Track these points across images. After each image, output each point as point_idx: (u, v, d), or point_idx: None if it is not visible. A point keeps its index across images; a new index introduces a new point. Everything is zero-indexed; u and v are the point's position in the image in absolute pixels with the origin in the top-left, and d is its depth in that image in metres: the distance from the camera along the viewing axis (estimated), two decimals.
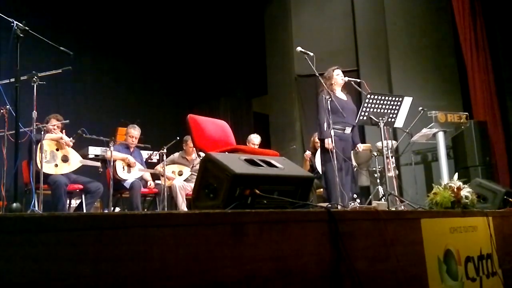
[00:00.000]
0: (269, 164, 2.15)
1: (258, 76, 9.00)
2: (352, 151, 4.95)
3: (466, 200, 3.08)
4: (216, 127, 4.13)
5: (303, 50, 4.34)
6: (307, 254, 1.74)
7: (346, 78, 4.83)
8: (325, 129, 4.47)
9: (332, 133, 4.38)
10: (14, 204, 2.96)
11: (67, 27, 7.10)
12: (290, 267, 1.66)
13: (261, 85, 9.02)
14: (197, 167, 4.12)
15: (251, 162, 2.09)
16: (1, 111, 3.98)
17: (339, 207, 3.83)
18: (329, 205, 3.40)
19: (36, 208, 3.88)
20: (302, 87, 7.88)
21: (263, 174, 2.04)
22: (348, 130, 4.72)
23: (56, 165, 4.75)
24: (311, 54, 4.29)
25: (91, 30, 7.65)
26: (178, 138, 5.80)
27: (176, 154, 6.24)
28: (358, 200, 4.47)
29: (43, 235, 1.11)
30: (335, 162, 4.30)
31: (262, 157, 2.22)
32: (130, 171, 5.51)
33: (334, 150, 4.35)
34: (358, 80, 4.90)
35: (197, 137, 3.83)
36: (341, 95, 4.86)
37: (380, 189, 5.49)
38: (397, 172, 6.04)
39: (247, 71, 9.44)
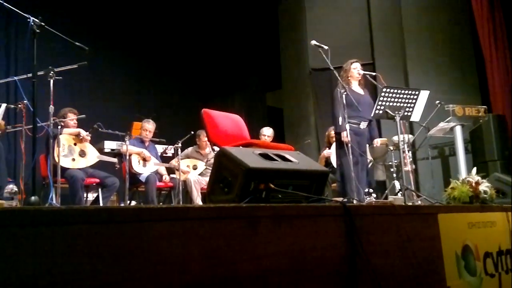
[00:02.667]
0: (284, 159, 2.14)
1: (272, 70, 8.96)
2: (368, 146, 4.91)
3: (485, 195, 3.04)
4: (230, 121, 4.13)
5: (317, 43, 4.31)
6: (323, 249, 1.73)
7: (362, 72, 4.79)
8: (341, 123, 4.44)
9: (348, 127, 4.34)
10: (33, 198, 3.00)
11: (82, 23, 7.15)
12: (305, 262, 1.65)
13: (275, 79, 8.98)
14: (212, 161, 4.13)
15: (266, 156, 2.09)
16: (19, 106, 4.03)
17: (354, 201, 3.80)
18: (345, 200, 3.38)
19: (54, 202, 3.93)
20: (316, 81, 7.82)
21: (278, 168, 2.04)
22: (363, 124, 4.67)
23: (74, 159, 4.80)
24: (326, 47, 4.26)
25: (106, 25, 7.70)
26: (192, 132, 5.83)
27: (190, 149, 6.26)
28: (374, 195, 4.44)
29: (61, 228, 1.12)
30: (351, 156, 4.26)
31: (277, 152, 2.22)
32: (146, 165, 5.55)
33: (350, 144, 4.32)
34: (374, 74, 4.84)
35: (211, 131, 3.84)
36: (358, 89, 4.82)
37: (397, 183, 5.44)
38: (413, 166, 5.97)
39: (261, 65, 9.41)
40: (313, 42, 4.36)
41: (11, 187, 2.66)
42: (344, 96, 4.29)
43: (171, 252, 1.30)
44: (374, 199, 4.37)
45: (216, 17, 8.94)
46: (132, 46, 8.07)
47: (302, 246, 1.66)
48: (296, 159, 2.18)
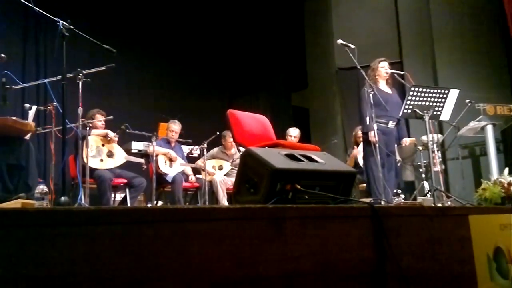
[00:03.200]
0: (310, 159, 2.12)
1: (298, 69, 8.92)
2: (396, 146, 4.84)
3: None
4: (256, 121, 4.13)
5: (344, 42, 4.27)
6: (350, 251, 1.70)
7: (389, 71, 4.72)
8: (368, 123, 4.39)
9: (375, 127, 4.28)
10: (62, 198, 3.06)
11: (108, 25, 7.26)
12: (332, 264, 1.63)
13: (301, 78, 8.93)
14: (237, 161, 4.14)
15: (292, 157, 2.07)
16: (49, 108, 4.11)
17: (382, 202, 3.75)
18: (372, 201, 3.33)
19: (83, 202, 4.00)
20: (343, 80, 7.74)
21: (304, 169, 2.02)
22: (392, 124, 4.60)
23: (102, 160, 4.88)
24: (352, 46, 4.21)
25: (132, 27, 7.80)
26: (218, 133, 5.85)
27: (216, 149, 6.29)
28: (402, 196, 4.36)
29: (92, 228, 1.14)
30: (378, 156, 4.20)
31: (303, 152, 2.19)
32: (172, 165, 5.61)
33: (377, 144, 4.26)
34: (402, 72, 4.77)
35: (237, 132, 3.84)
36: (385, 88, 4.75)
37: (426, 184, 5.32)
38: (443, 166, 5.85)
39: (287, 65, 9.37)
40: (340, 41, 4.32)
41: (42, 187, 2.72)
42: (371, 95, 4.24)
43: (197, 252, 1.30)
44: (403, 200, 4.30)
45: (241, 16, 8.96)
46: (158, 47, 8.16)
47: (329, 248, 1.63)
48: (322, 160, 2.15)
